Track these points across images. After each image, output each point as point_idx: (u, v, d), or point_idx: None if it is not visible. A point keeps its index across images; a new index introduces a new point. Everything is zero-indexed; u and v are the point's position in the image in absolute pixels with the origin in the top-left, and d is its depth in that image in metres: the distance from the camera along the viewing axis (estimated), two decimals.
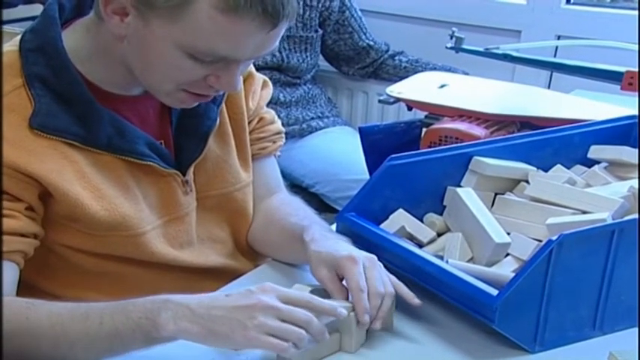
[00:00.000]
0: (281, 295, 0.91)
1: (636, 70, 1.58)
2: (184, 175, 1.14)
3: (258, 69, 1.29)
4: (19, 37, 1.05)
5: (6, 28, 2.32)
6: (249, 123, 1.25)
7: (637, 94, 1.53)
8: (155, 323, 0.88)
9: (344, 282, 1.02)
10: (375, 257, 1.02)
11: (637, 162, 1.23)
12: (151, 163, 1.09)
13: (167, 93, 1.05)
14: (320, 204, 2.23)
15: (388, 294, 0.99)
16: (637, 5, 2.25)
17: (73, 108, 1.02)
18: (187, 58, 0.98)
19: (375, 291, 0.98)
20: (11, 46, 1.04)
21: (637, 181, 1.17)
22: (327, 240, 1.08)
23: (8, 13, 2.48)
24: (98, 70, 1.06)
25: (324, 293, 1.06)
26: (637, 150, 1.25)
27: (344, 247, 1.05)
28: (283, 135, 1.33)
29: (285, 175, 1.38)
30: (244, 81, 1.22)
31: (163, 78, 1.02)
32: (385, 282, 1.00)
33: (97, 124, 1.04)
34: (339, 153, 2.27)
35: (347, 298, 1.00)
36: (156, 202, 1.12)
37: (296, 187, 2.23)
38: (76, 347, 0.91)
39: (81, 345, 0.91)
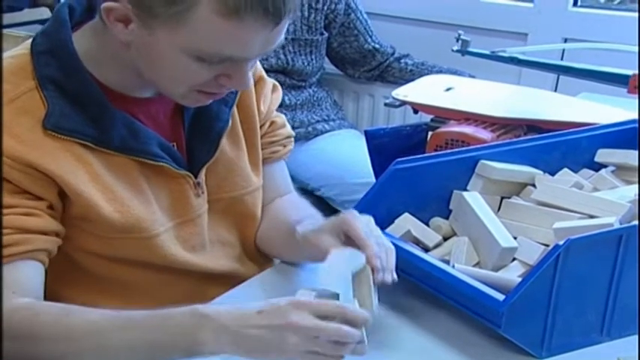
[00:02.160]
0: (314, 309, 0.88)
1: None
2: (196, 177, 1.14)
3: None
4: (30, 41, 1.05)
5: (12, 31, 2.33)
6: (261, 127, 1.25)
7: None
8: (195, 340, 0.89)
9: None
10: (371, 218, 1.04)
11: None
12: (164, 164, 1.09)
13: (182, 95, 1.05)
14: (326, 207, 2.23)
15: (390, 247, 1.00)
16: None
17: (86, 109, 1.03)
18: (195, 61, 0.98)
19: (380, 240, 0.99)
20: (23, 49, 1.05)
21: (637, 185, 1.17)
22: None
23: (14, 17, 2.49)
24: (109, 72, 1.06)
25: (330, 296, 1.06)
26: None
27: None
28: (293, 139, 1.33)
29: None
30: (255, 84, 1.22)
31: (175, 82, 1.03)
32: (384, 237, 1.01)
33: (111, 125, 1.04)
34: (344, 156, 2.27)
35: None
36: (168, 204, 1.12)
37: (301, 190, 2.22)
38: (118, 357, 0.92)
39: (123, 355, 0.92)
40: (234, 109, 1.19)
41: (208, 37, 0.95)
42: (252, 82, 1.06)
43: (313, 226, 1.07)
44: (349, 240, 1.01)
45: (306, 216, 1.19)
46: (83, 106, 1.02)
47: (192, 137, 1.15)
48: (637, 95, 1.57)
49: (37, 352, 0.93)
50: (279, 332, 0.86)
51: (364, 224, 1.01)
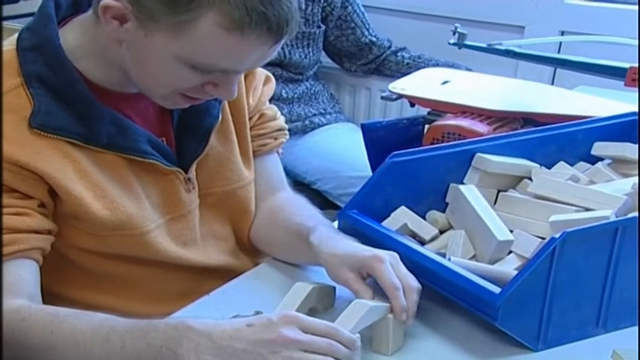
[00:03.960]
0: (303, 324, 0.87)
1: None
2: (186, 172, 1.14)
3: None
4: (15, 36, 1.04)
5: (7, 24, 2.32)
6: (250, 119, 1.24)
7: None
8: (176, 354, 0.86)
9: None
10: (396, 254, 1.02)
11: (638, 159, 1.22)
12: (153, 161, 1.08)
13: (162, 96, 1.05)
14: (322, 201, 2.23)
15: (418, 288, 0.99)
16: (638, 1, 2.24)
17: (72, 107, 1.02)
18: (186, 67, 0.98)
19: (409, 287, 0.98)
20: (8, 45, 1.04)
21: (637, 177, 1.17)
22: (336, 241, 1.07)
23: (10, 9, 2.48)
24: (96, 69, 1.05)
25: (327, 290, 1.06)
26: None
27: (359, 247, 1.04)
28: (286, 132, 1.32)
29: (287, 172, 1.37)
30: (245, 77, 1.22)
31: (160, 83, 1.02)
32: (411, 276, 1.00)
33: (98, 122, 1.03)
34: (341, 149, 2.27)
35: (373, 297, 1.00)
36: (158, 201, 1.12)
37: (298, 184, 2.23)
38: None
39: None
40: (225, 103, 1.18)
41: (207, 48, 0.95)
42: (237, 91, 1.06)
43: (332, 248, 1.05)
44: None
45: (309, 216, 1.18)
46: (70, 103, 1.01)
47: (181, 132, 1.14)
48: (634, 88, 1.57)
49: (20, 358, 0.92)
50: (267, 345, 0.85)
51: (389, 268, 0.98)
